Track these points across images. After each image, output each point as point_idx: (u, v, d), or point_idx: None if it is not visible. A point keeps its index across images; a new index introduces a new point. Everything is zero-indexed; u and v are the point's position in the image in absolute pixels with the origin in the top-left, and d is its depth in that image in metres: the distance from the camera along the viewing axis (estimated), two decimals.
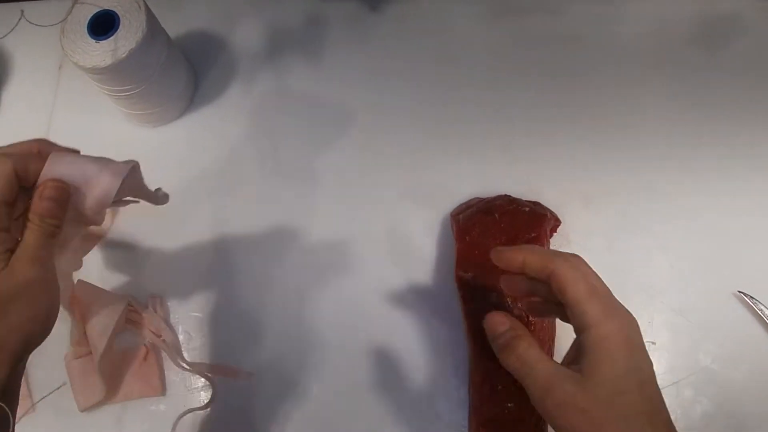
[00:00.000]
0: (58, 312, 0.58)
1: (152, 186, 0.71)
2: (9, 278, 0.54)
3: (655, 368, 0.76)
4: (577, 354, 0.56)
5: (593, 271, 0.57)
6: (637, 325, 0.55)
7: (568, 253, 0.58)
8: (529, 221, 0.77)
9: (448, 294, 0.80)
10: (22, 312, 0.55)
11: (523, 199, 0.80)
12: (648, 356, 0.54)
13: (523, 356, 0.57)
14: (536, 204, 0.80)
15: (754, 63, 0.90)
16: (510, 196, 0.81)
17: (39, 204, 0.57)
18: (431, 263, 0.82)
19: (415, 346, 0.79)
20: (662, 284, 0.80)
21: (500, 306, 0.73)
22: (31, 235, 0.57)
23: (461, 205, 0.83)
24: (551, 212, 0.80)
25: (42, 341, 0.57)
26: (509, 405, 0.71)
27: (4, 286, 0.54)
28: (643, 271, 0.81)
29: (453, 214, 0.82)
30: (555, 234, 0.81)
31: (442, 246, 0.83)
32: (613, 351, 0.52)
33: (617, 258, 0.81)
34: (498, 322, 0.61)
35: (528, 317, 0.72)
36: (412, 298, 0.81)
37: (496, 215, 0.78)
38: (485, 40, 0.93)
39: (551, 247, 0.79)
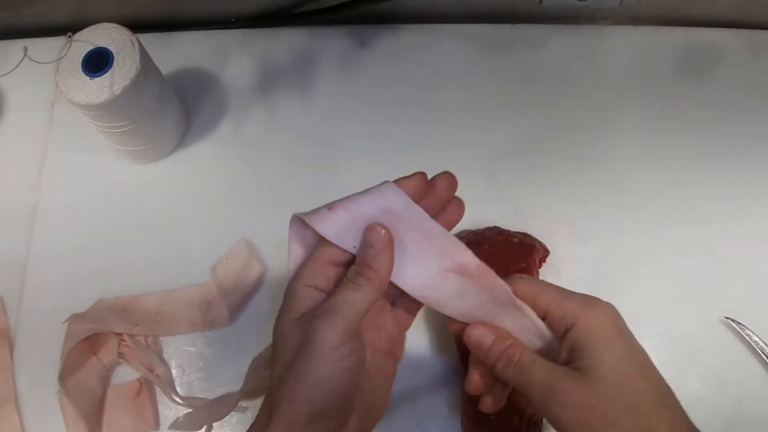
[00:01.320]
0: None
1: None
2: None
3: None
4: (569, 355, 0.53)
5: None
6: (617, 311, 0.54)
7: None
8: (519, 252, 0.78)
9: (442, 325, 0.81)
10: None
11: (513, 230, 0.82)
12: (636, 340, 0.53)
13: (520, 364, 0.54)
14: (525, 235, 0.81)
15: (739, 92, 0.92)
16: (499, 227, 0.82)
17: None
18: None
19: (409, 378, 0.80)
20: (650, 311, 0.81)
21: None
22: None
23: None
24: (540, 243, 0.81)
25: None
26: None
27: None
28: (631, 299, 0.80)
29: None
30: (544, 264, 0.82)
31: None
32: (607, 339, 0.51)
33: (605, 286, 0.80)
34: (483, 335, 0.56)
35: None
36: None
37: (486, 246, 0.79)
38: (472, 75, 0.95)
39: (541, 276, 0.81)
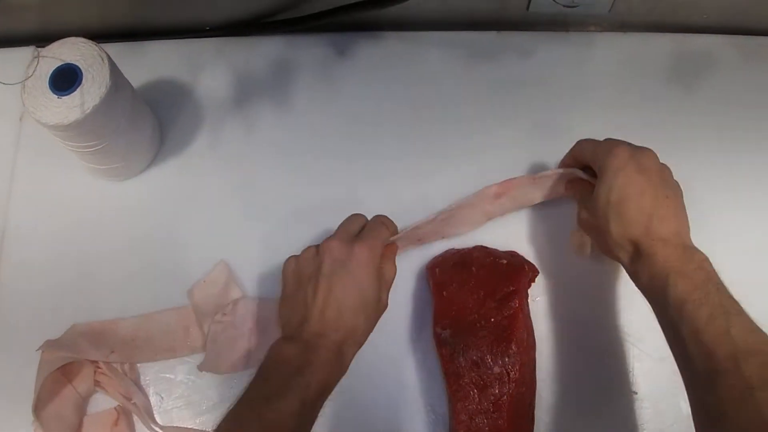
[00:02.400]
0: None
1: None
2: (380, 300, 0.72)
3: (638, 418, 0.77)
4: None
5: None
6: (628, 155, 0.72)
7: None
8: (507, 274, 0.78)
9: (426, 348, 0.80)
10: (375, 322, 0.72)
11: (500, 249, 0.81)
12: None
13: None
14: (513, 255, 0.80)
15: (731, 99, 0.91)
16: (486, 247, 0.81)
17: None
18: (407, 317, 0.83)
19: (393, 400, 0.79)
20: (642, 331, 0.81)
21: (481, 364, 0.74)
22: (390, 272, 0.75)
23: (437, 257, 0.82)
24: (528, 263, 0.80)
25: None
26: None
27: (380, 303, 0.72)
28: (622, 320, 0.81)
29: (429, 267, 0.82)
30: (533, 284, 0.81)
31: (418, 299, 0.83)
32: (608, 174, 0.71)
33: (595, 307, 0.82)
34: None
35: (509, 373, 0.73)
36: (389, 353, 0.81)
37: (473, 269, 0.78)
38: (457, 84, 0.93)
39: (530, 296, 0.80)
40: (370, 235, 0.73)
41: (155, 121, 0.89)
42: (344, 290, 0.69)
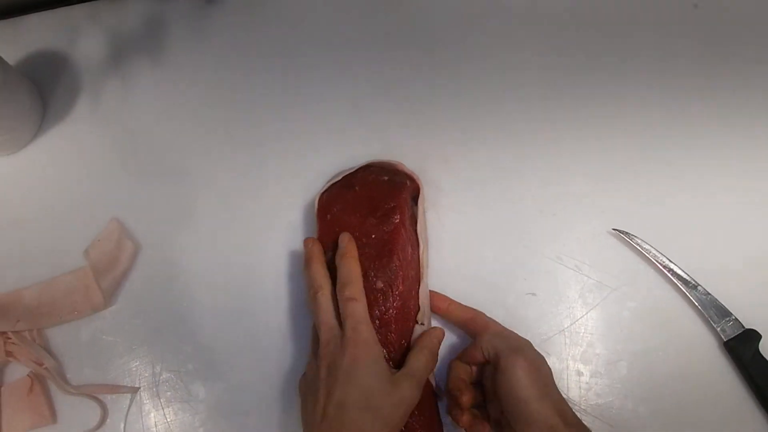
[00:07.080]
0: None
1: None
2: (397, 388, 0.69)
3: (537, 320, 0.80)
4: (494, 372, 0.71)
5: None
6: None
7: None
8: (388, 191, 0.80)
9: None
10: (397, 417, 0.68)
11: (388, 159, 0.84)
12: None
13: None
14: (396, 173, 0.83)
15: None
16: (371, 165, 0.84)
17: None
18: (293, 253, 0.87)
19: (288, 343, 0.84)
20: (536, 233, 0.84)
21: (365, 280, 0.75)
22: (419, 361, 0.72)
23: (326, 183, 0.85)
24: (411, 178, 0.83)
25: None
26: None
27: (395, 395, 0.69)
28: (514, 224, 0.84)
29: (318, 196, 0.83)
30: (420, 199, 0.83)
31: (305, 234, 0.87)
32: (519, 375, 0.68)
33: (486, 214, 0.85)
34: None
35: (392, 288, 0.76)
36: (284, 292, 0.86)
37: (357, 188, 0.81)
38: (330, 12, 0.97)
39: (419, 212, 0.82)
40: (355, 331, 0.71)
41: (34, 92, 0.94)
42: (343, 390, 0.68)
